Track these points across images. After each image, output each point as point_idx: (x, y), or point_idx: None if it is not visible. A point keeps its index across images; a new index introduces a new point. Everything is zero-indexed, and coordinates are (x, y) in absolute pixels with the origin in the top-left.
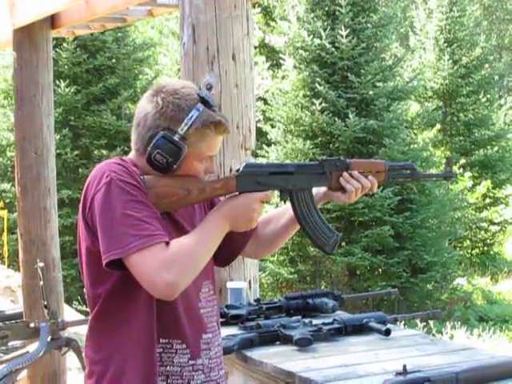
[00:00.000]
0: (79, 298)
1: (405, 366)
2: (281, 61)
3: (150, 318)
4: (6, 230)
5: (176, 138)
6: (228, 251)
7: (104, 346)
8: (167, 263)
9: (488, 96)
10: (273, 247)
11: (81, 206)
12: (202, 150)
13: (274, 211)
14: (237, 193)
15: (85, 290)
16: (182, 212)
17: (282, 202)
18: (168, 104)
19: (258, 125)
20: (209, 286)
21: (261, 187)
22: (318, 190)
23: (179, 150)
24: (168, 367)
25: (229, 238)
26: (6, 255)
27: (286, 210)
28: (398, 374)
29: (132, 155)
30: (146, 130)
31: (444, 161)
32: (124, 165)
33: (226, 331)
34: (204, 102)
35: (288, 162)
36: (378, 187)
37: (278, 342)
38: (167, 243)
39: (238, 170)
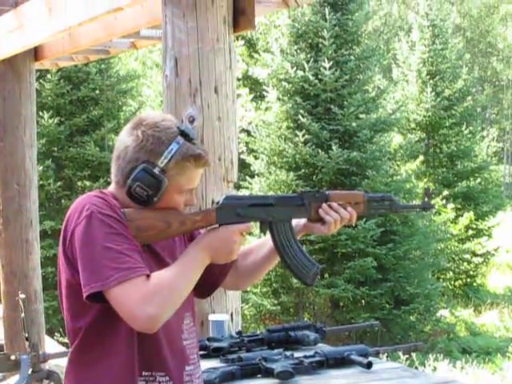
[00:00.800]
0: (61, 329)
1: None
2: (264, 93)
3: (130, 352)
4: None
5: (156, 170)
6: (208, 283)
7: (84, 379)
8: (148, 296)
9: (470, 128)
10: (253, 279)
11: (61, 238)
12: (182, 183)
13: (254, 243)
14: (217, 225)
15: (65, 322)
16: (162, 244)
17: (262, 233)
18: (148, 137)
19: (242, 156)
20: (190, 318)
21: (241, 219)
22: (297, 222)
23: (159, 182)
24: None
25: (209, 269)
26: None
27: (266, 241)
28: None
29: (112, 188)
30: (126, 163)
31: (429, 188)
32: (104, 197)
33: (207, 364)
34: (184, 135)
35: (268, 194)
36: (358, 218)
37: (259, 375)
38: (148, 276)
39: (217, 203)
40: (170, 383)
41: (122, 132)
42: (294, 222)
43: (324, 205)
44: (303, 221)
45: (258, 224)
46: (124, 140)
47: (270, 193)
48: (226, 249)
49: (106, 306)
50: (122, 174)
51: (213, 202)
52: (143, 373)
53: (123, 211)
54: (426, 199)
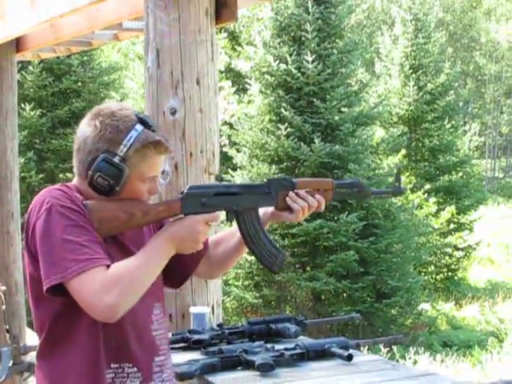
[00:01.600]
0: None
1: None
2: (247, 85)
3: (95, 344)
4: None
5: (116, 159)
6: (179, 272)
7: (51, 371)
8: (107, 286)
9: (453, 122)
10: (225, 267)
11: (24, 233)
12: (143, 171)
13: (226, 231)
14: (182, 215)
15: (32, 317)
16: (129, 235)
17: (229, 222)
18: (106, 127)
19: (224, 149)
20: (160, 308)
21: (206, 208)
22: (265, 210)
23: (120, 171)
24: None
25: (178, 259)
26: None
27: (237, 230)
28: None
29: (75, 181)
30: (87, 154)
31: (399, 172)
32: (65, 190)
33: (188, 356)
34: (142, 122)
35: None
36: (326, 205)
37: (240, 368)
38: (108, 266)
39: (182, 192)
40: (138, 374)
41: (80, 124)
42: (262, 210)
43: (291, 193)
44: (271, 209)
45: (225, 213)
46: (83, 131)
47: (242, 182)
48: (190, 239)
49: (68, 299)
50: (83, 165)
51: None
52: (111, 365)
53: (85, 203)
54: (397, 183)
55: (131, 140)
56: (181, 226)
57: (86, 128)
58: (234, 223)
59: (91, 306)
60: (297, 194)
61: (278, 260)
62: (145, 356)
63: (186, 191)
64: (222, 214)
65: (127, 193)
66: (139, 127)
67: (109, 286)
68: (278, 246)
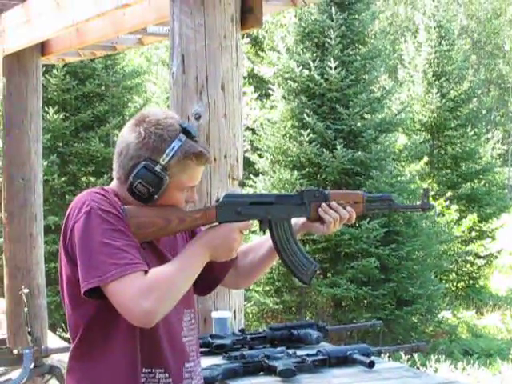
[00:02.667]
0: (63, 324)
1: None
2: (269, 91)
3: (133, 348)
4: None
5: (158, 168)
6: (208, 281)
7: (86, 375)
8: (145, 291)
9: (476, 130)
10: (252, 278)
11: (61, 235)
12: (183, 181)
13: (254, 242)
14: (217, 223)
15: (67, 318)
16: (164, 241)
17: (262, 232)
18: (150, 134)
19: (246, 155)
20: (190, 315)
21: (241, 217)
22: (297, 221)
23: (161, 180)
24: None
25: (209, 267)
26: None
27: (266, 240)
28: None
29: (113, 184)
30: (128, 160)
31: (427, 189)
32: (105, 194)
33: (209, 361)
34: (186, 132)
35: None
36: (357, 218)
37: (261, 373)
38: (146, 272)
39: (217, 200)
40: (169, 380)
41: (124, 128)
42: (294, 220)
43: (323, 204)
44: (302, 220)
45: (258, 222)
46: (126, 137)
47: (274, 191)
48: (225, 246)
49: (105, 302)
50: (124, 170)
51: (217, 200)
52: (143, 369)
53: (123, 208)
54: (425, 199)
55: (174, 150)
56: (216, 234)
57: (129, 134)
58: (266, 233)
59: (128, 310)
60: (329, 206)
61: (310, 271)
62: (176, 362)
63: (221, 199)
64: (254, 224)
65: (165, 201)
66: (182, 137)
67: (147, 291)
68: (310, 257)
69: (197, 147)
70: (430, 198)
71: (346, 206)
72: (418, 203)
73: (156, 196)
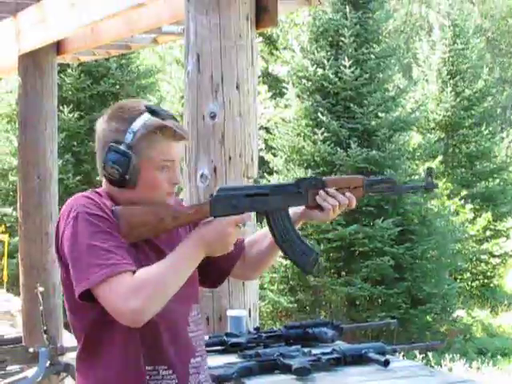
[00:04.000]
0: None
1: None
2: (283, 90)
3: (133, 346)
4: (6, 254)
5: (122, 147)
6: (215, 273)
7: (91, 375)
8: (133, 290)
9: (490, 128)
10: (260, 268)
11: (54, 241)
12: (152, 156)
13: (259, 232)
14: (212, 218)
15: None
16: (165, 238)
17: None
18: (112, 118)
19: (260, 153)
20: (197, 310)
21: (236, 210)
22: (295, 210)
23: (127, 158)
24: None
25: (216, 260)
26: (5, 279)
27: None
28: None
29: (103, 184)
30: (101, 150)
31: (432, 168)
32: (92, 197)
33: (224, 359)
34: (151, 111)
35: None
36: (357, 202)
37: (276, 371)
38: (134, 272)
39: (211, 195)
40: (173, 376)
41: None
42: (292, 210)
43: (321, 191)
44: (301, 208)
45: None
46: (98, 131)
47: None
48: (220, 242)
49: (100, 304)
50: (100, 162)
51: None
52: (146, 367)
53: (114, 209)
54: (429, 179)
55: (136, 127)
56: (209, 229)
57: (99, 127)
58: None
59: (117, 310)
60: (327, 193)
61: (311, 259)
62: (181, 358)
63: (215, 194)
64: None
65: (144, 182)
66: (146, 116)
67: (135, 290)
68: (310, 245)
69: (160, 121)
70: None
71: (345, 191)
72: (422, 183)
73: (127, 176)
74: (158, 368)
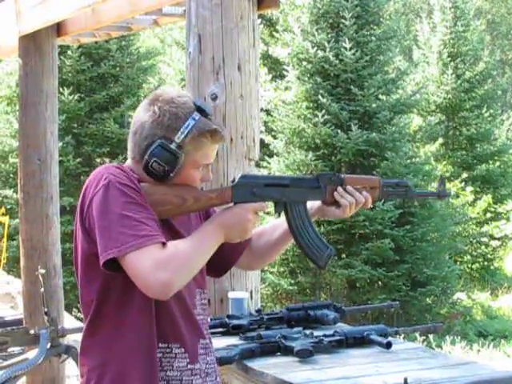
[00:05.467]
0: (79, 305)
1: (406, 379)
2: (284, 72)
3: (147, 322)
4: (5, 236)
5: (173, 146)
6: (222, 262)
7: (101, 352)
8: (162, 263)
9: (491, 111)
10: (267, 259)
11: (78, 208)
12: (198, 159)
13: (269, 223)
14: (232, 203)
15: (79, 296)
16: (179, 220)
17: (277, 214)
18: (165, 113)
19: (261, 136)
20: (202, 295)
21: (256, 198)
22: (312, 204)
23: (176, 158)
24: (168, 372)
25: (223, 248)
26: (3, 261)
27: (281, 222)
28: None
29: (129, 163)
30: (143, 139)
31: (444, 176)
32: (123, 169)
33: (226, 341)
34: (200, 110)
35: (285, 174)
36: (372, 203)
37: (278, 353)
38: (164, 244)
39: (233, 181)
40: (185, 355)
41: (138, 108)
42: (309, 204)
43: (339, 188)
44: (318, 203)
45: (273, 204)
46: (141, 116)
47: (289, 173)
48: (240, 227)
49: (119, 277)
50: (139, 149)
51: (234, 180)
52: (160, 344)
53: (140, 185)
54: (442, 186)
55: (189, 127)
56: (231, 214)
57: (144, 113)
58: (281, 215)
59: (146, 281)
60: (345, 190)
61: (326, 255)
62: (191, 338)
63: (237, 180)
64: (269, 205)
65: (180, 179)
66: (196, 115)
67: (164, 263)
68: (325, 240)
69: (211, 125)
70: (445, 185)
71: (363, 190)
72: (435, 190)
73: (171, 174)
74: (172, 346)
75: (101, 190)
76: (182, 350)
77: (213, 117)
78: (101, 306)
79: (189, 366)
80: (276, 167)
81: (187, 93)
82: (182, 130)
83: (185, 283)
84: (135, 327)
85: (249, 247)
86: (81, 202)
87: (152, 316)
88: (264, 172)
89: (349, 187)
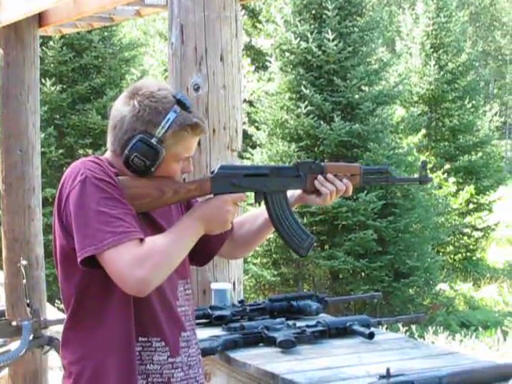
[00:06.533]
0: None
1: (388, 370)
2: (267, 63)
3: (126, 317)
4: None
5: (153, 141)
6: (204, 251)
7: (81, 345)
8: (140, 259)
9: (473, 102)
10: (248, 248)
11: (56, 203)
12: (179, 152)
13: (251, 212)
14: (211, 195)
15: (60, 289)
16: (159, 211)
17: (257, 204)
18: (145, 107)
19: (243, 127)
20: (185, 286)
21: (235, 189)
22: (293, 193)
23: (157, 153)
24: (148, 365)
25: (205, 238)
26: None
27: (262, 211)
28: (382, 377)
29: (108, 155)
30: (123, 133)
31: (425, 161)
32: (100, 163)
33: (209, 332)
34: (180, 104)
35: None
36: (353, 190)
37: (261, 344)
38: (141, 240)
39: (212, 172)
40: (166, 348)
41: (117, 101)
42: (289, 193)
43: (320, 176)
44: (298, 192)
45: (254, 194)
46: (120, 110)
47: (272, 164)
48: (219, 218)
49: (98, 272)
50: (119, 143)
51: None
52: (139, 338)
53: (118, 179)
54: (423, 172)
55: (169, 122)
56: (210, 206)
57: (123, 106)
58: (261, 205)
59: (122, 278)
60: (325, 178)
61: (306, 243)
62: (172, 331)
63: (216, 171)
64: (250, 196)
65: (161, 172)
66: (177, 109)
67: (141, 259)
68: (306, 229)
69: (192, 118)
70: (428, 171)
71: (343, 178)
72: (416, 176)
73: (152, 168)
74: (152, 339)
75: (78, 185)
76: (163, 343)
77: (193, 109)
78: (81, 301)
79: (169, 360)
80: (259, 158)
81: (167, 85)
82: (162, 124)
83: (163, 279)
84: (115, 322)
85: (231, 236)
86: (58, 197)
87: (131, 311)
88: (247, 163)
89: (329, 175)
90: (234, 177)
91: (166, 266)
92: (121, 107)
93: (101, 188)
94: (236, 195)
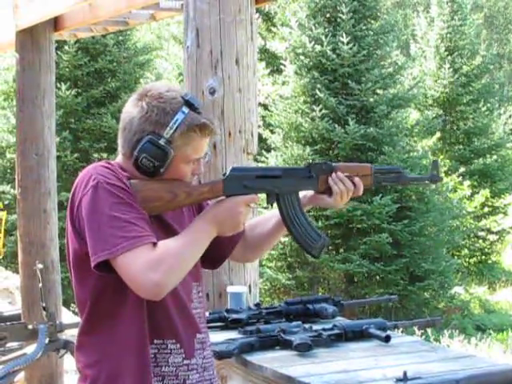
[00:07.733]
0: None
1: (405, 373)
2: (281, 67)
3: (140, 320)
4: (3, 231)
5: (162, 142)
6: (216, 254)
7: (96, 349)
8: (154, 263)
9: (488, 105)
10: (261, 251)
11: (68, 209)
12: (188, 153)
13: (263, 215)
14: (224, 197)
15: (74, 293)
16: (171, 214)
17: (270, 205)
18: (153, 108)
19: (258, 130)
20: (198, 288)
21: (247, 191)
22: (305, 194)
23: (165, 154)
24: (163, 368)
25: (217, 241)
26: (1, 256)
27: (274, 213)
28: (399, 380)
29: (119, 159)
30: (132, 135)
31: (437, 160)
32: (111, 167)
33: (225, 335)
34: (189, 104)
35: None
36: (365, 190)
37: (277, 347)
38: (154, 244)
39: (224, 174)
40: (181, 350)
41: (127, 103)
42: (301, 194)
43: (333, 174)
44: (310, 193)
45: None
46: (129, 111)
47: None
48: (231, 220)
49: (112, 276)
50: (129, 145)
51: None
52: (155, 341)
53: (130, 182)
54: (434, 171)
55: (177, 123)
56: (222, 208)
57: (132, 108)
58: (274, 206)
59: (137, 283)
60: (337, 177)
61: (319, 244)
62: (187, 333)
63: (228, 173)
64: (264, 199)
65: (171, 174)
66: (185, 109)
67: (156, 263)
68: (318, 230)
69: (200, 119)
70: (443, 174)
71: (354, 178)
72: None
73: (161, 169)
74: (167, 342)
75: (90, 191)
76: (178, 345)
77: (203, 110)
78: (95, 305)
79: (185, 362)
80: (274, 162)
81: (176, 87)
82: (170, 125)
83: (177, 282)
84: (129, 325)
85: (243, 239)
86: (70, 202)
87: (145, 314)
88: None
89: (340, 174)
90: (246, 178)
91: (180, 269)
92: (130, 109)
93: (113, 193)
94: (248, 197)
